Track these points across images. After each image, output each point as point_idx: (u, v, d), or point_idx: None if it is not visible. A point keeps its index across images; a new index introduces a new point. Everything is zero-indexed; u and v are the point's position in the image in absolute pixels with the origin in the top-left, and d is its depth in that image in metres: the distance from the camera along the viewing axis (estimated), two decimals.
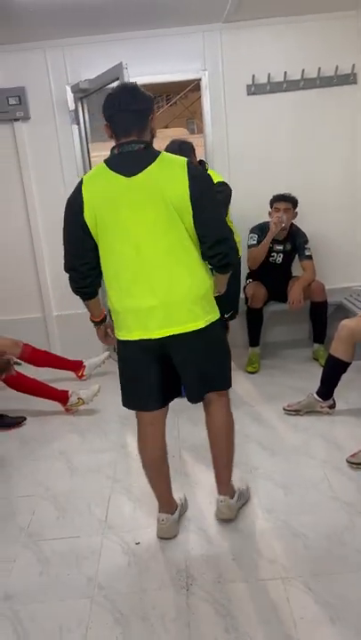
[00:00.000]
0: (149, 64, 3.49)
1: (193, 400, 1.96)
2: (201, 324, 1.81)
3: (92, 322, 2.19)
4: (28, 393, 3.15)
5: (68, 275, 1.91)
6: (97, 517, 2.22)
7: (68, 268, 1.89)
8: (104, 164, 1.76)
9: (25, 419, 3.14)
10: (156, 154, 1.74)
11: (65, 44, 3.50)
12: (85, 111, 3.66)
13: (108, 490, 2.41)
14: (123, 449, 2.79)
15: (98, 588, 1.84)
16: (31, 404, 3.21)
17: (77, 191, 1.78)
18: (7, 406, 3.18)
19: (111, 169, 1.73)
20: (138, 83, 3.01)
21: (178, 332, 1.79)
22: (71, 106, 3.59)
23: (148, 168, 1.71)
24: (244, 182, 3.60)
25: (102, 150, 5.51)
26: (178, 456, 2.61)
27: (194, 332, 1.80)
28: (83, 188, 1.76)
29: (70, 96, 3.56)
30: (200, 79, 3.59)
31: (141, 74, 3.39)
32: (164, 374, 1.91)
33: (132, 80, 2.93)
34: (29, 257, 3.92)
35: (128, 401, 2.01)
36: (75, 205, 1.77)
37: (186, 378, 1.92)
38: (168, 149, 2.99)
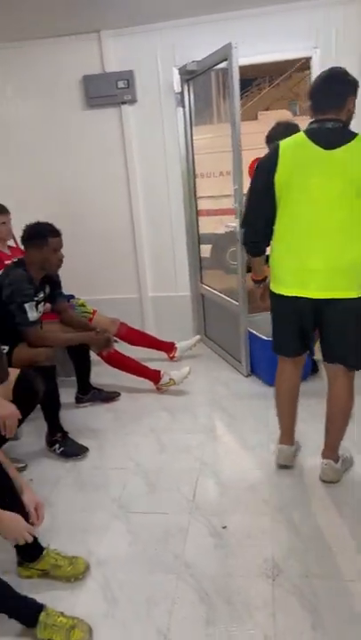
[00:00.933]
0: (258, 43, 3.38)
1: (328, 359, 2.15)
2: (354, 295, 1.97)
3: (253, 281, 2.47)
4: (122, 369, 3.26)
5: (243, 230, 2.27)
6: (185, 497, 2.26)
7: (244, 224, 2.22)
8: (303, 134, 1.97)
9: (119, 394, 3.26)
10: (353, 134, 1.92)
11: (174, 25, 3.49)
12: (191, 93, 3.65)
13: (196, 471, 2.43)
14: (211, 432, 2.81)
15: (184, 565, 1.88)
16: (124, 381, 3.32)
17: (273, 153, 2.00)
18: (102, 381, 3.30)
19: (311, 140, 1.93)
20: (245, 63, 2.97)
21: (334, 297, 1.98)
22: (177, 88, 3.60)
23: (346, 145, 1.89)
24: None
25: (205, 133, 5.49)
26: (266, 446, 2.58)
27: (348, 299, 1.98)
28: (280, 152, 1.98)
29: (177, 78, 3.57)
30: (311, 57, 3.44)
31: (250, 54, 3.31)
32: (306, 329, 2.13)
33: (240, 60, 2.88)
34: (130, 238, 4.01)
35: (275, 346, 2.27)
36: (268, 165, 2.00)
37: (329, 338, 2.11)
38: (274, 132, 2.91)
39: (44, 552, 1.86)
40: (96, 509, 2.23)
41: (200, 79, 3.66)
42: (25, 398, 2.34)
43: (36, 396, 2.43)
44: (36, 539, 1.82)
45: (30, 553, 1.85)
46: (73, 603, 1.73)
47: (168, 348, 3.67)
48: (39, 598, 1.65)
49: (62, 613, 1.62)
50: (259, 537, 1.99)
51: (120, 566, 1.90)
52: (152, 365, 3.34)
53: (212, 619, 1.65)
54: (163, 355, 3.65)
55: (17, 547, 1.83)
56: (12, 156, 3.86)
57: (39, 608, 1.62)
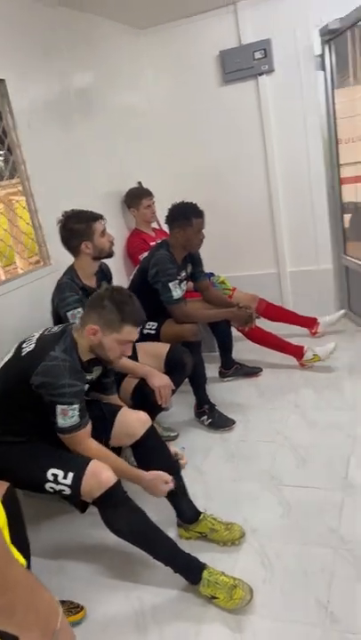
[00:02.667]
0: None
1: None
2: None
3: None
4: (264, 345, 3.26)
5: None
6: (338, 473, 2.21)
7: None
8: None
9: (261, 370, 3.27)
10: None
11: None
12: (333, 55, 3.45)
13: (349, 448, 2.37)
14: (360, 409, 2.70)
15: (341, 540, 1.85)
16: (266, 357, 3.32)
17: None
18: (245, 357, 3.33)
19: None
20: None
21: None
22: (317, 51, 3.43)
23: None
24: None
25: (347, 96, 5.21)
26: None
27: None
28: None
29: (317, 40, 3.39)
30: None
31: None
32: None
33: None
34: (267, 213, 3.95)
35: None
36: None
37: None
38: None
39: (202, 516, 1.96)
40: (246, 480, 2.29)
41: (341, 38, 3.45)
42: (175, 371, 2.46)
43: (185, 368, 2.55)
44: (193, 505, 1.93)
45: (189, 516, 1.95)
46: (231, 566, 1.80)
47: (310, 323, 3.58)
48: (199, 559, 1.74)
49: (223, 573, 1.70)
50: None
51: (275, 536, 1.94)
52: (294, 341, 3.29)
53: None
54: (305, 331, 3.57)
55: (177, 509, 1.96)
56: (152, 139, 3.98)
57: (202, 566, 1.71)
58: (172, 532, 1.92)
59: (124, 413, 1.98)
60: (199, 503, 2.02)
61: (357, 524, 1.92)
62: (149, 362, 2.43)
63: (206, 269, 3.18)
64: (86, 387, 1.85)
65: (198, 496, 2.11)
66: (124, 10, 3.31)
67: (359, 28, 3.54)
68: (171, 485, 1.78)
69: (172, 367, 2.49)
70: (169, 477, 1.79)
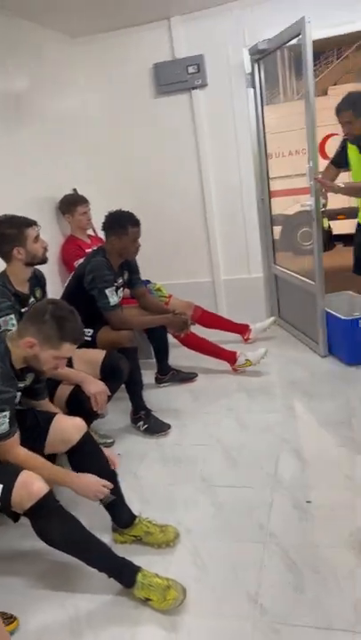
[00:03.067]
0: (332, 15, 3.28)
1: None
2: None
3: None
4: (199, 351, 3.34)
5: None
6: (267, 473, 2.30)
7: None
8: None
9: (196, 375, 3.34)
10: None
11: (244, 5, 3.47)
12: (262, 73, 3.62)
13: (277, 449, 2.47)
14: (290, 411, 2.84)
15: (270, 536, 1.93)
16: (201, 363, 3.40)
17: None
18: (181, 363, 3.40)
19: None
20: (317, 37, 2.97)
21: None
22: (247, 69, 3.58)
23: None
24: None
25: (276, 112, 5.43)
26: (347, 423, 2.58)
27: None
28: None
29: (247, 58, 3.55)
30: None
31: (322, 26, 3.22)
32: None
33: (314, 34, 2.82)
34: (202, 223, 4.06)
35: None
36: None
37: None
38: (345, 101, 2.81)
39: (137, 520, 1.98)
40: (181, 483, 2.33)
41: (269, 58, 3.63)
42: (111, 377, 2.48)
43: (121, 375, 2.57)
44: (129, 509, 1.95)
45: (124, 520, 1.97)
46: (165, 567, 1.83)
47: (242, 329, 3.71)
48: (134, 562, 1.77)
49: (157, 575, 1.73)
50: (343, 511, 2.01)
51: (207, 535, 1.99)
52: (227, 347, 3.39)
53: (300, 586, 1.70)
54: (237, 337, 3.69)
55: (112, 514, 1.97)
56: (87, 147, 3.98)
57: (137, 569, 1.73)
58: (106, 537, 1.93)
59: (58, 420, 1.97)
60: (135, 507, 2.04)
61: (285, 520, 2.01)
62: (85, 368, 2.43)
63: (143, 277, 3.22)
64: (18, 394, 1.84)
65: (134, 500, 2.13)
66: (56, 18, 3.33)
67: (287, 49, 3.74)
68: (105, 491, 1.79)
69: (108, 374, 2.50)
70: (107, 482, 1.80)
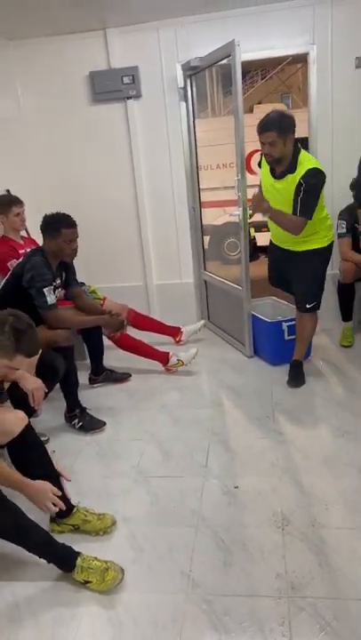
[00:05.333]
0: (258, 40, 3.55)
1: None
2: None
3: None
4: (133, 352, 3.44)
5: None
6: (198, 463, 2.45)
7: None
8: None
9: (130, 375, 3.44)
10: None
11: (177, 23, 3.65)
12: (194, 88, 3.81)
13: (207, 441, 2.63)
14: (219, 407, 3.00)
15: (201, 519, 2.07)
16: (135, 364, 3.50)
17: None
18: (115, 364, 3.48)
19: None
20: (246, 59, 3.16)
21: None
22: (180, 83, 3.76)
23: None
24: (347, 158, 3.57)
25: (205, 126, 5.63)
26: (272, 417, 2.79)
27: None
28: None
29: (180, 74, 3.73)
30: (308, 53, 3.61)
31: (250, 49, 3.47)
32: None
33: (243, 55, 3.04)
34: (135, 229, 4.18)
35: None
36: None
37: None
38: (270, 121, 2.80)
39: (75, 509, 2.05)
40: (117, 476, 2.42)
41: (202, 75, 3.83)
42: (47, 376, 2.52)
43: (57, 373, 2.62)
44: (67, 498, 2.01)
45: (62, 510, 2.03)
46: (103, 552, 1.91)
47: (174, 332, 3.86)
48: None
49: (96, 558, 1.81)
50: (268, 495, 2.19)
51: (143, 521, 2.10)
52: (160, 349, 3.52)
53: (229, 561, 1.86)
54: (169, 339, 3.83)
55: None
56: (22, 151, 4.00)
57: (75, 554, 1.81)
58: (43, 527, 1.98)
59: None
60: (72, 500, 2.11)
61: (215, 504, 2.16)
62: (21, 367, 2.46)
63: (78, 279, 3.28)
64: None
65: (70, 494, 2.19)
66: None
67: (216, 67, 3.96)
68: (53, 508, 1.80)
69: (44, 373, 2.54)
70: (58, 492, 1.82)
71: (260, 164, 3.12)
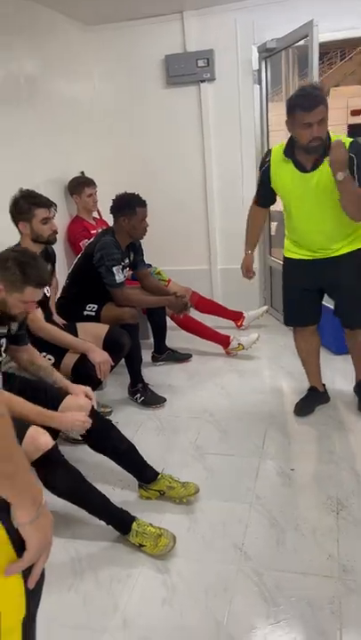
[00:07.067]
0: (337, 20, 3.44)
1: None
2: None
3: None
4: (195, 334, 3.51)
5: None
6: (254, 444, 2.49)
7: None
8: None
9: (191, 356, 3.52)
10: None
11: (254, 4, 3.61)
12: (268, 71, 3.77)
13: (265, 423, 2.66)
14: (278, 392, 3.01)
15: (256, 497, 2.12)
16: (197, 345, 3.57)
17: None
18: (177, 344, 3.57)
19: None
20: (325, 40, 2.90)
21: None
22: (255, 66, 3.73)
23: None
24: None
25: (279, 110, 5.56)
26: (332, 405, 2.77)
27: None
28: None
29: (255, 56, 3.70)
30: None
31: (328, 30, 3.38)
32: None
33: (321, 36, 2.97)
34: (202, 213, 4.21)
35: None
36: None
37: None
38: (313, 93, 2.20)
39: (159, 476, 2.15)
40: (175, 450, 2.51)
41: (277, 57, 3.78)
42: (113, 351, 2.64)
43: (123, 348, 2.73)
44: (151, 467, 2.14)
45: (148, 476, 2.15)
46: (160, 520, 2.01)
47: (236, 316, 3.88)
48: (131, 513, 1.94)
49: (151, 524, 1.91)
50: (324, 480, 2.20)
51: (200, 495, 2.16)
52: (222, 332, 3.56)
53: (282, 539, 1.89)
54: (231, 323, 3.86)
55: (136, 471, 2.15)
56: (97, 134, 4.11)
57: (132, 518, 1.91)
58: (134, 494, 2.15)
59: (67, 401, 2.03)
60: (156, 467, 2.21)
61: (270, 484, 2.20)
62: (89, 341, 2.60)
63: (145, 261, 3.37)
64: (3, 340, 2.01)
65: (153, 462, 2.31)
66: (71, 4, 3.42)
67: (293, 49, 3.89)
68: (86, 426, 1.89)
69: (111, 348, 2.66)
70: (85, 417, 1.90)
71: (264, 165, 2.51)
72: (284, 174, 2.40)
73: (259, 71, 3.74)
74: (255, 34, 3.67)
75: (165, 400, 2.92)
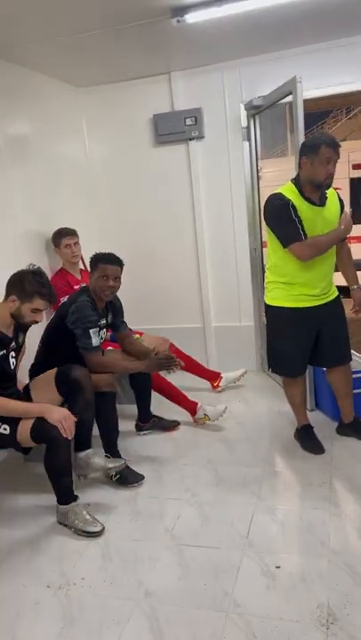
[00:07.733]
0: (324, 76, 3.39)
1: None
2: None
3: None
4: (162, 394, 3.26)
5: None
6: (238, 532, 2.20)
7: None
8: None
9: (179, 423, 3.26)
10: None
11: (240, 64, 3.58)
12: (257, 128, 3.71)
13: (252, 507, 2.37)
14: (270, 467, 2.73)
15: (234, 604, 1.82)
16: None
17: None
18: (164, 410, 3.32)
19: None
20: (311, 96, 2.98)
21: None
22: (243, 123, 3.67)
23: None
24: None
25: (271, 167, 5.50)
26: (328, 484, 2.48)
27: None
28: None
29: (243, 113, 3.64)
30: None
31: (317, 87, 3.33)
32: None
33: (307, 93, 2.90)
34: (195, 270, 4.07)
35: None
36: None
37: None
38: (330, 137, 2.53)
39: None
40: (149, 539, 2.22)
41: (268, 113, 3.72)
42: (71, 393, 2.45)
43: (79, 384, 2.46)
44: None
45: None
46: (119, 634, 1.72)
47: (213, 376, 3.68)
48: None
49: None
50: (314, 581, 1.89)
51: (168, 599, 1.87)
52: (195, 395, 3.33)
53: None
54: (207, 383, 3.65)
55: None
56: (89, 193, 4.06)
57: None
58: None
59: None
60: (97, 564, 1.98)
61: (252, 587, 1.89)
62: (43, 391, 2.48)
63: (134, 321, 3.19)
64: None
65: (97, 556, 2.05)
66: (61, 69, 3.45)
67: (288, 105, 3.83)
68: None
69: (67, 391, 2.45)
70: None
71: (287, 204, 2.47)
72: (305, 209, 2.51)
73: (247, 128, 3.67)
74: (243, 91, 3.63)
75: (143, 478, 2.64)
